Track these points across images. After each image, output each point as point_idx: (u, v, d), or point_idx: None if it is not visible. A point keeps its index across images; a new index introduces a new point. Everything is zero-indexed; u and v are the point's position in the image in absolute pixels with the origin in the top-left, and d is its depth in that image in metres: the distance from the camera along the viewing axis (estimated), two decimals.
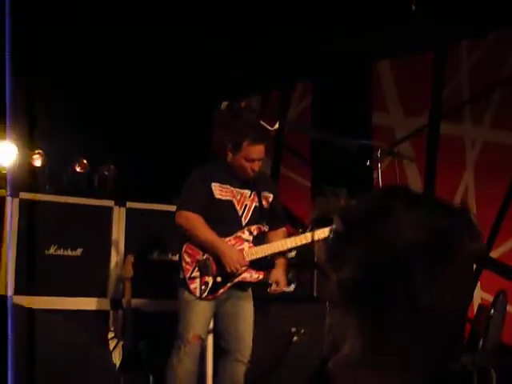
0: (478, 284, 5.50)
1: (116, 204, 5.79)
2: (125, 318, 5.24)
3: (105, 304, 5.55)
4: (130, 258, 5.32)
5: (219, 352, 4.77)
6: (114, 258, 5.67)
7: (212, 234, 4.54)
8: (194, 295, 4.50)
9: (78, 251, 5.60)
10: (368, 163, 4.08)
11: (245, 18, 6.66)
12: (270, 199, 4.80)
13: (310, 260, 5.56)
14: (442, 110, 6.13)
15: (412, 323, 1.17)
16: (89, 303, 5.50)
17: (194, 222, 4.54)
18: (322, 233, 4.48)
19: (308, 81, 7.16)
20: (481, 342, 4.62)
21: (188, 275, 4.53)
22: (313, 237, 4.55)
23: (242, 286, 4.69)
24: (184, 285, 4.55)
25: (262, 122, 4.46)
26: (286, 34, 6.67)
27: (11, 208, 5.38)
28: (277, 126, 4.41)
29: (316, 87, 7.12)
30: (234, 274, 4.56)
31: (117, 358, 5.04)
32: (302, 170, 6.80)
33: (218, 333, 4.74)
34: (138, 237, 5.79)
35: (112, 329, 5.36)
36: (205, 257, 4.55)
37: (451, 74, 6.11)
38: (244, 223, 4.67)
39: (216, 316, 4.67)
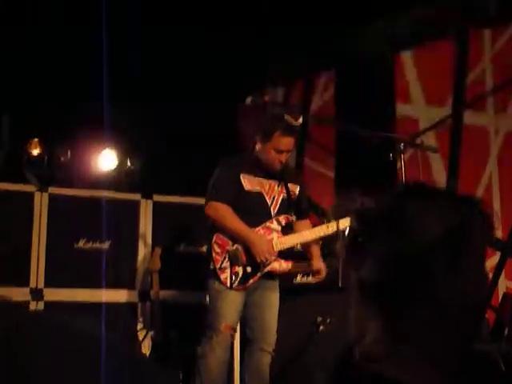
0: (503, 273, 5.50)
1: (143, 197, 5.87)
2: (153, 309, 5.32)
3: (133, 296, 5.63)
4: (158, 251, 5.40)
5: (245, 341, 4.81)
6: (142, 251, 5.75)
7: (242, 224, 4.55)
8: (225, 285, 4.53)
9: (107, 244, 5.68)
10: (391, 156, 4.10)
11: (268, 8, 6.69)
12: (297, 191, 4.83)
13: (335, 249, 5.61)
14: (465, 100, 6.13)
15: (432, 316, 1.22)
16: (118, 295, 5.58)
17: (224, 212, 4.56)
18: (347, 222, 4.51)
19: (331, 70, 7.19)
20: (506, 331, 4.64)
21: (218, 265, 4.55)
22: (338, 226, 4.59)
23: (271, 275, 4.71)
24: (214, 275, 4.57)
25: (286, 116, 4.48)
26: (308, 23, 6.70)
27: (40, 202, 5.48)
28: (300, 120, 4.44)
29: (339, 77, 7.14)
30: (264, 264, 4.58)
31: (146, 349, 5.13)
32: (325, 160, 6.84)
33: (244, 322, 4.77)
34: (165, 229, 5.86)
35: (141, 320, 5.44)
36: (234, 247, 4.57)
37: (474, 62, 6.10)
38: (273, 214, 4.70)
39: (244, 305, 4.68)
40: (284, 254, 4.74)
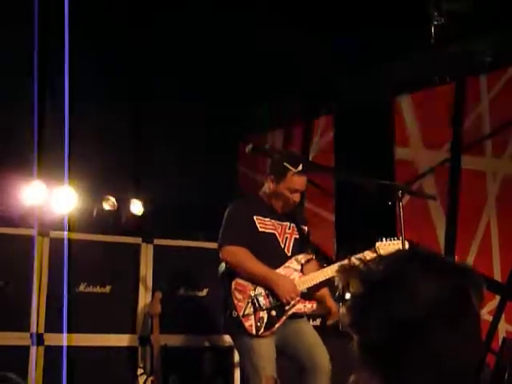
0: (503, 316, 5.52)
1: (144, 241, 5.88)
2: (153, 353, 5.31)
3: (134, 340, 5.63)
4: (158, 295, 5.40)
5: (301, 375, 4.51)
6: (143, 295, 5.75)
7: (262, 266, 4.40)
8: (250, 333, 4.33)
9: (107, 288, 5.67)
10: (390, 203, 4.14)
11: (266, 51, 6.79)
12: (306, 231, 4.78)
13: (334, 294, 5.62)
14: (463, 143, 6.20)
15: (431, 375, 1.26)
16: (118, 340, 5.57)
17: (242, 255, 4.42)
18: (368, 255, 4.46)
19: (330, 114, 7.28)
20: (506, 375, 4.65)
21: (241, 313, 4.35)
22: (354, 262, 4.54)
23: (297, 315, 4.52)
24: (239, 324, 4.35)
25: (285, 163, 4.49)
26: (309, 67, 6.80)
27: (42, 247, 5.49)
28: (300, 167, 4.45)
29: (338, 121, 7.23)
30: (289, 305, 4.41)
31: None
32: (325, 203, 6.88)
33: (290, 359, 4.53)
34: (165, 273, 5.86)
35: (141, 365, 5.43)
36: (256, 291, 4.40)
37: (471, 106, 6.20)
38: (288, 254, 4.58)
39: (279, 348, 4.45)
40: (306, 294, 4.54)
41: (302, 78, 7.01)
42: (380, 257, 1.42)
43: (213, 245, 6.04)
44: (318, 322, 5.56)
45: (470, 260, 5.95)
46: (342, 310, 1.39)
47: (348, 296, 1.39)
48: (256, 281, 4.41)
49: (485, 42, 6.12)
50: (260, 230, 4.54)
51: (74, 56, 5.56)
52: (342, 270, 1.40)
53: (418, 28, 6.35)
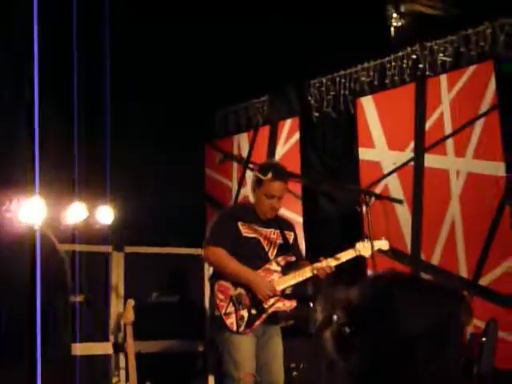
0: None
1: (114, 249, 5.91)
2: (128, 361, 5.34)
3: (108, 348, 5.65)
4: (131, 303, 5.45)
5: None
6: (115, 303, 5.78)
7: (240, 266, 4.65)
8: (232, 330, 4.59)
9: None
10: (357, 208, 4.24)
11: (235, 53, 6.85)
12: (292, 238, 4.97)
13: (304, 295, 5.71)
14: (426, 143, 6.31)
15: None
16: (92, 348, 5.60)
17: (221, 255, 4.67)
18: (348, 254, 4.74)
19: (295, 116, 7.36)
20: (475, 369, 4.76)
21: (223, 311, 4.62)
22: (340, 259, 4.72)
23: (274, 320, 4.77)
24: (221, 322, 4.62)
25: (256, 172, 4.63)
26: (274, 70, 6.87)
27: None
28: (270, 175, 4.57)
29: (303, 123, 7.31)
30: (267, 302, 4.66)
31: None
32: (294, 206, 6.95)
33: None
34: (137, 280, 5.90)
35: (116, 373, 5.47)
36: (237, 291, 4.65)
37: (432, 106, 6.31)
38: (271, 258, 4.80)
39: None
40: (287, 294, 4.82)
41: (267, 80, 7.08)
42: (362, 283, 1.42)
43: (183, 250, 6.13)
44: (289, 323, 5.64)
45: (437, 257, 6.07)
46: (327, 335, 1.42)
47: (333, 320, 1.41)
48: (235, 280, 4.67)
49: (444, 42, 6.25)
50: (243, 234, 4.76)
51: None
52: (325, 299, 1.44)
53: (378, 29, 6.47)
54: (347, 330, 1.36)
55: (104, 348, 5.65)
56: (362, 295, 1.39)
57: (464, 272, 5.90)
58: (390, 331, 1.32)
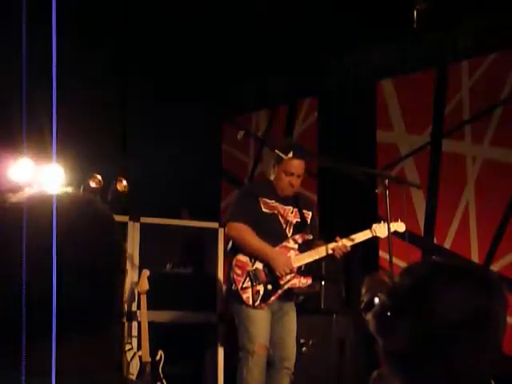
0: None
1: (131, 219, 5.96)
2: (141, 329, 5.42)
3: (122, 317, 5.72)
4: (146, 273, 5.52)
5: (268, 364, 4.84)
6: (130, 273, 5.84)
7: (261, 242, 4.78)
8: (248, 304, 4.71)
9: None
10: (376, 190, 4.29)
11: (253, 33, 6.86)
12: (310, 217, 5.06)
13: (317, 273, 5.78)
14: (444, 128, 6.34)
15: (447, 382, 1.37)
16: None
17: (244, 232, 4.80)
18: (364, 235, 4.85)
19: (314, 96, 7.38)
20: None
21: (240, 286, 4.75)
22: (356, 240, 4.82)
23: (289, 296, 4.90)
24: (237, 296, 4.77)
25: (276, 151, 4.70)
26: (294, 49, 6.88)
27: None
28: (290, 155, 4.66)
29: (322, 103, 7.33)
30: (283, 279, 4.77)
31: (134, 369, 5.25)
32: (308, 184, 6.98)
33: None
34: (152, 251, 5.95)
35: (129, 341, 5.55)
36: (254, 267, 4.79)
37: (452, 92, 6.33)
38: (289, 235, 4.92)
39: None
40: (303, 271, 4.92)
41: (287, 59, 7.09)
42: (406, 269, 1.47)
43: (197, 223, 6.18)
44: (299, 299, 5.71)
45: (449, 242, 6.12)
46: (369, 316, 1.47)
47: (376, 303, 1.47)
48: (254, 255, 4.80)
49: (468, 28, 6.24)
50: (263, 210, 4.88)
51: (61, 31, 5.61)
52: (369, 283, 1.50)
53: (402, 13, 6.46)
54: (388, 313, 1.42)
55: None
56: (404, 281, 1.44)
57: (475, 257, 5.95)
58: (429, 317, 1.37)
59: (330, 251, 4.81)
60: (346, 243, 4.78)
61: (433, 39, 6.44)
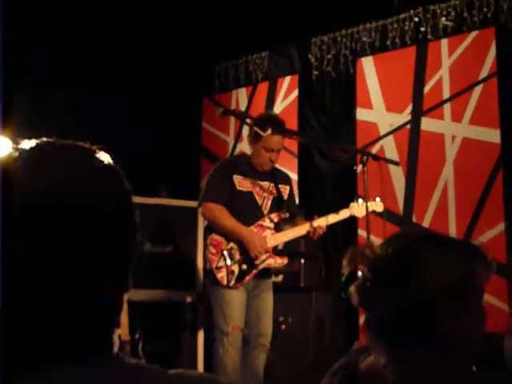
0: None
1: None
2: None
3: None
4: None
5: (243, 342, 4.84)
6: None
7: (235, 222, 4.72)
8: (222, 284, 4.67)
9: None
10: (354, 168, 4.29)
11: (235, 9, 6.82)
12: (287, 191, 5.02)
13: (297, 251, 5.79)
14: (424, 107, 6.35)
15: (435, 356, 1.37)
16: None
17: (218, 212, 4.74)
18: (342, 214, 4.82)
19: (295, 74, 7.36)
20: None
21: (214, 265, 4.71)
22: (334, 219, 4.80)
23: (266, 274, 4.86)
24: (211, 275, 4.73)
25: (255, 128, 4.65)
26: (274, 26, 6.85)
27: None
28: (269, 131, 4.60)
29: (303, 80, 7.31)
30: (258, 259, 4.73)
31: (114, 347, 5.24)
32: (289, 163, 6.99)
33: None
34: None
35: None
36: (229, 246, 4.73)
37: (432, 70, 6.33)
38: (265, 213, 4.87)
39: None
40: (279, 250, 4.91)
41: (268, 36, 7.06)
42: (387, 240, 1.46)
43: (176, 201, 6.17)
44: (280, 278, 5.72)
45: (427, 220, 6.14)
46: (352, 288, 1.47)
47: (358, 276, 1.46)
48: (229, 236, 4.73)
49: (447, 6, 6.24)
50: (238, 188, 4.81)
51: None
52: (350, 255, 1.48)
53: None
54: (369, 284, 1.42)
55: None
56: (386, 251, 1.44)
57: (454, 235, 5.98)
58: (414, 288, 1.37)
59: (307, 231, 4.78)
60: (322, 223, 4.77)
61: (413, 17, 6.44)
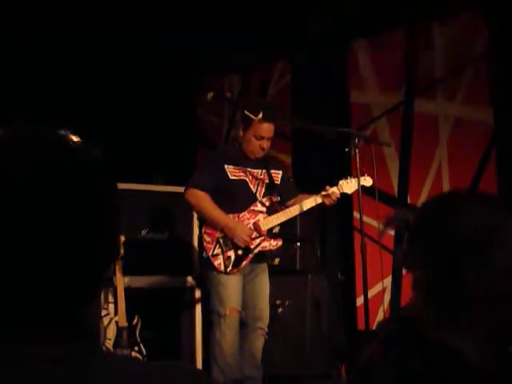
0: None
1: None
2: (117, 295, 5.44)
3: None
4: (120, 238, 5.52)
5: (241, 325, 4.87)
6: None
7: (216, 211, 4.75)
8: (220, 271, 4.72)
9: None
10: (346, 149, 4.31)
11: None
12: (279, 176, 5.02)
13: (292, 234, 5.81)
14: (416, 88, 6.35)
15: (468, 305, 1.39)
16: None
17: (202, 200, 4.76)
18: (333, 192, 4.76)
19: (287, 58, 7.35)
20: None
21: (210, 253, 4.75)
22: (318, 198, 4.77)
23: (261, 257, 4.89)
24: (209, 263, 4.78)
25: (246, 112, 4.64)
26: (265, 11, 6.83)
27: None
28: (260, 116, 4.59)
29: (295, 64, 7.31)
30: (253, 242, 4.76)
31: (111, 334, 5.27)
32: (283, 146, 7.00)
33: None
34: (127, 217, 5.96)
35: (105, 306, 5.57)
36: (223, 233, 4.77)
37: (425, 51, 6.33)
38: (259, 199, 4.89)
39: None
40: (273, 233, 4.91)
41: (259, 22, 7.04)
42: (423, 204, 1.57)
43: (173, 188, 6.18)
44: (276, 261, 5.74)
45: (422, 201, 6.15)
46: (399, 251, 1.54)
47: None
48: (212, 225, 4.78)
49: None
50: (231, 177, 4.82)
51: None
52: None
53: None
54: (410, 235, 1.49)
55: None
56: (424, 207, 1.55)
57: None
58: (444, 235, 1.41)
59: (319, 200, 4.76)
60: (335, 191, 4.76)
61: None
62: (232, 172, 4.83)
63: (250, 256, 4.80)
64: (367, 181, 4.85)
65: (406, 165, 6.29)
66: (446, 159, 6.08)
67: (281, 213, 4.89)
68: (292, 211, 4.86)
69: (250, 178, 4.88)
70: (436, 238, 1.42)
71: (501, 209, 1.43)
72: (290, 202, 4.97)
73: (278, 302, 5.52)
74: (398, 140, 6.32)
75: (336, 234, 6.51)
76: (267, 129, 4.77)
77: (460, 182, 5.93)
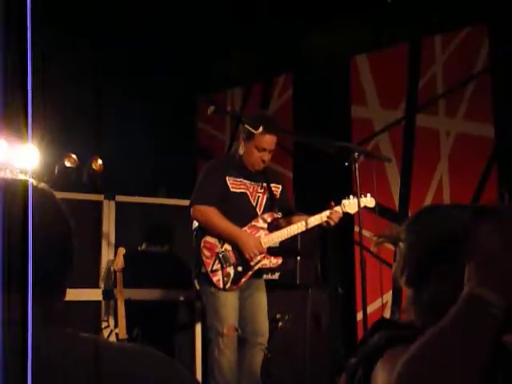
0: None
1: (106, 198, 5.96)
2: (117, 307, 5.43)
3: (98, 295, 5.74)
4: (121, 250, 5.52)
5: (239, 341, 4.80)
6: (106, 251, 5.85)
7: (228, 224, 4.65)
8: (218, 287, 4.61)
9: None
10: (346, 164, 4.30)
11: (228, 9, 6.81)
12: (279, 190, 4.97)
13: (293, 248, 5.79)
14: (418, 103, 6.37)
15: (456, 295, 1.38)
16: (82, 294, 5.67)
17: (210, 214, 4.67)
18: (336, 211, 4.74)
19: (289, 72, 7.37)
20: None
21: (209, 268, 4.64)
22: (324, 217, 4.73)
23: (259, 274, 4.82)
24: (207, 279, 4.65)
25: (246, 126, 4.62)
26: (268, 25, 6.86)
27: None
28: (260, 129, 4.56)
29: (297, 79, 7.33)
30: (253, 260, 4.68)
31: None
32: (284, 161, 7.02)
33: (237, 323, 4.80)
34: (128, 229, 5.96)
35: (105, 318, 5.56)
36: (223, 249, 4.67)
37: (426, 66, 6.35)
38: (259, 214, 4.82)
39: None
40: (274, 251, 4.85)
41: (261, 36, 7.07)
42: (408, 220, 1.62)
43: (173, 201, 6.19)
44: (276, 275, 5.72)
45: None
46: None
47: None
48: (223, 238, 4.67)
49: (441, 2, 6.25)
50: (231, 190, 4.75)
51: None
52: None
53: None
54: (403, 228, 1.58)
55: (94, 294, 5.73)
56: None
57: None
58: (423, 236, 1.52)
59: (325, 218, 4.74)
60: (338, 210, 4.74)
61: (406, 13, 6.44)
62: (233, 184, 4.77)
63: (250, 273, 4.72)
64: (370, 202, 4.80)
65: (407, 179, 6.29)
66: (447, 174, 6.08)
67: (284, 230, 4.82)
68: (295, 229, 4.81)
69: (251, 190, 4.83)
70: (420, 234, 1.52)
71: (476, 214, 1.46)
72: (283, 220, 4.94)
73: (278, 316, 5.49)
74: (399, 155, 6.33)
75: (337, 248, 6.50)
76: (270, 141, 4.72)
77: (461, 196, 5.93)
